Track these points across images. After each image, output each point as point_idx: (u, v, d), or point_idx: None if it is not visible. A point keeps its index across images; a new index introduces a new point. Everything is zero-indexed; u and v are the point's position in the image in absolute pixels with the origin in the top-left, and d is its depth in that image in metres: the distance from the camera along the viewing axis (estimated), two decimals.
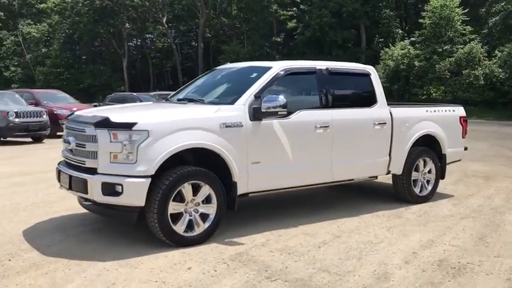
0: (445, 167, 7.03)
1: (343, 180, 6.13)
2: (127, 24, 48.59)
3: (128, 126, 4.46)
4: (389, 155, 6.31)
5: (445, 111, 7.07)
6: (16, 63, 48.73)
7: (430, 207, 6.51)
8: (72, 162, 4.89)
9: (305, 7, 38.17)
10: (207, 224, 4.84)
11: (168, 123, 4.63)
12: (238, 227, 5.38)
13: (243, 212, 6.02)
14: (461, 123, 7.17)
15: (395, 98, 30.13)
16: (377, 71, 6.71)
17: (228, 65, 6.70)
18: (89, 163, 4.62)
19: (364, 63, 7.14)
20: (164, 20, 49.36)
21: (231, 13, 48.65)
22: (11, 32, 49.32)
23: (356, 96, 6.26)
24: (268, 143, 5.19)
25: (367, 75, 6.25)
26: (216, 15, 50.85)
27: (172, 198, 4.58)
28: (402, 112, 6.51)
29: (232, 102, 5.11)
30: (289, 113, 5.35)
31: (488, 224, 5.70)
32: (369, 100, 6.18)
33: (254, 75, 5.48)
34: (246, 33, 44.96)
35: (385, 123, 6.15)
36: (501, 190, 7.59)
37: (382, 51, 31.98)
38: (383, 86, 6.52)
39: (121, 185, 4.41)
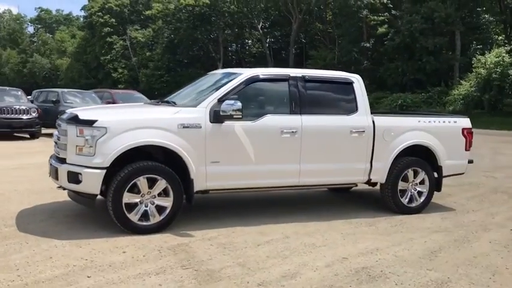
0: (442, 180, 6.84)
1: (315, 185, 6.28)
2: (225, 30, 50.54)
3: (90, 123, 5.07)
4: (371, 162, 6.31)
5: (444, 122, 6.88)
6: (123, 66, 52.80)
7: (415, 218, 6.41)
8: (55, 154, 5.61)
9: (397, 12, 37.17)
10: (162, 216, 5.29)
11: (126, 122, 5.18)
12: (202, 221, 5.79)
13: (216, 208, 6.43)
14: (464, 135, 6.93)
15: (485, 108, 28.44)
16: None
17: (217, 71, 7.11)
18: (62, 154, 5.31)
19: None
20: (259, 26, 50.63)
21: (326, 18, 48.67)
22: (121, 37, 53.48)
23: (333, 103, 6.35)
24: (228, 144, 5.52)
25: (349, 84, 6.32)
26: (311, 20, 51.12)
27: (127, 189, 5.10)
28: (386, 121, 6.48)
29: (195, 105, 5.53)
30: (256, 117, 5.65)
31: (458, 239, 5.55)
32: (348, 108, 6.26)
33: (225, 80, 5.86)
34: (338, 39, 44.75)
35: (364, 131, 6.19)
36: None
37: (475, 58, 30.27)
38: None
39: (80, 174, 5.02)
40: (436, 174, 6.81)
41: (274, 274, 4.25)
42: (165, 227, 5.32)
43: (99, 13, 53.54)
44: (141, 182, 5.17)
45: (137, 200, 5.20)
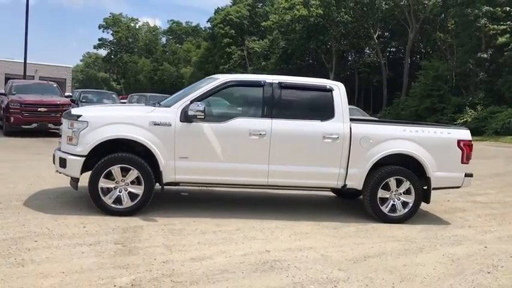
0: (430, 191, 6.73)
1: (285, 186, 6.60)
2: (341, 40, 50.63)
3: (77, 117, 6.02)
4: (346, 168, 6.46)
5: (435, 132, 6.75)
6: None
7: (390, 227, 6.43)
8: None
9: None
10: (134, 202, 6.05)
11: (104, 117, 6.06)
12: (183, 211, 6.44)
13: (210, 201, 7.05)
14: (461, 148, 6.72)
15: None
16: None
17: (211, 76, 7.69)
18: (59, 143, 6.34)
19: None
20: (376, 36, 49.87)
21: (448, 27, 46.43)
22: (239, 47, 56.22)
23: (308, 109, 6.59)
24: (197, 142, 6.13)
25: (328, 91, 6.54)
26: (430, 29, 49.11)
27: (102, 175, 5.94)
28: (365, 129, 6.57)
29: (169, 106, 6.24)
30: (226, 119, 6.21)
31: (409, 250, 5.53)
32: (324, 114, 6.48)
33: (203, 84, 6.48)
34: (455, 49, 42.47)
35: (338, 137, 6.37)
36: None
37: None
38: None
39: (66, 160, 5.99)
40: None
41: (186, 256, 4.75)
42: (136, 212, 6.06)
43: (221, 25, 56.81)
44: (115, 170, 5.97)
45: (112, 186, 6.01)
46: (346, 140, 6.41)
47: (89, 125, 5.95)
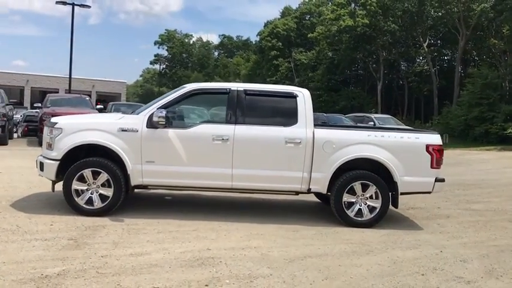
0: (398, 196, 6.73)
1: (249, 190, 6.80)
2: (391, 49, 49.92)
3: (53, 125, 6.55)
4: (310, 172, 6.60)
5: (401, 137, 6.75)
6: None
7: (351, 231, 6.47)
8: None
9: None
10: (104, 203, 6.48)
11: (76, 124, 6.56)
12: (150, 212, 6.82)
13: (181, 204, 7.38)
14: (429, 152, 6.69)
15: None
16: None
17: (183, 85, 7.96)
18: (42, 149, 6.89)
19: None
20: (425, 44, 48.77)
21: (503, 33, 44.68)
22: (286, 60, 56.63)
23: (272, 115, 6.79)
24: (162, 147, 6.49)
25: (293, 98, 6.73)
26: (484, 36, 47.43)
27: (75, 178, 6.41)
28: (328, 134, 6.68)
29: (138, 113, 6.65)
30: (191, 125, 6.55)
31: (356, 251, 5.61)
32: (287, 120, 6.66)
33: (172, 92, 6.85)
34: (509, 55, 40.80)
35: (300, 142, 6.53)
36: (493, 236, 6.69)
37: None
38: None
39: (43, 163, 6.52)
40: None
41: (127, 252, 5.08)
42: (106, 212, 6.47)
43: (268, 38, 57.49)
44: (87, 173, 6.43)
45: (84, 188, 6.46)
46: (309, 144, 6.55)
47: (63, 131, 6.45)
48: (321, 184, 6.63)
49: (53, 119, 6.83)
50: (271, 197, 8.04)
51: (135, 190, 7.54)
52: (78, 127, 6.52)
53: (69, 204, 6.47)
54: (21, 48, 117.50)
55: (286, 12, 62.17)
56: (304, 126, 6.61)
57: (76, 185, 6.43)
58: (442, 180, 6.88)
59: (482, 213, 8.24)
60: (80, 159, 6.48)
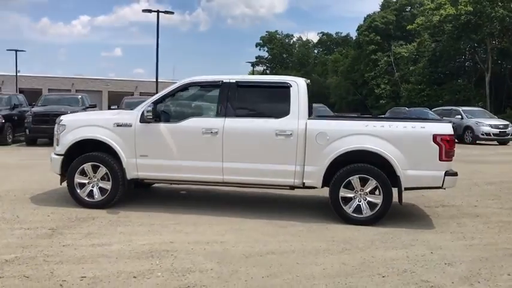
0: (401, 191, 6.18)
1: (241, 184, 6.61)
2: (496, 37, 46.05)
3: (59, 122, 6.95)
4: (303, 166, 6.29)
5: (404, 127, 6.16)
6: (386, 81, 53.59)
7: (344, 228, 6.04)
8: None
9: None
10: (103, 196, 6.73)
11: (78, 121, 6.88)
12: (151, 206, 6.95)
13: (191, 199, 7.46)
14: (437, 143, 6.04)
15: None
16: None
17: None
18: None
19: None
20: None
21: None
22: (385, 54, 54.52)
23: (263, 107, 6.53)
24: (155, 141, 6.57)
25: (286, 88, 6.44)
26: None
27: (78, 172, 6.74)
28: (321, 125, 6.30)
29: (133, 108, 6.80)
30: (182, 119, 6.57)
31: (329, 250, 5.24)
32: (279, 111, 6.39)
33: (169, 86, 6.91)
34: None
35: (291, 134, 6.24)
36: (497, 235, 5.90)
37: None
38: None
39: (51, 158, 6.94)
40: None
41: (91, 242, 5.21)
42: (106, 205, 6.70)
43: (365, 32, 55.76)
44: (87, 167, 6.71)
45: (86, 181, 6.76)
46: (300, 136, 6.24)
47: (66, 128, 6.80)
48: (315, 178, 6.27)
49: (62, 116, 7.22)
50: (279, 192, 7.74)
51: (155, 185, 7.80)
52: (80, 123, 6.83)
53: (72, 196, 6.79)
54: (140, 57, 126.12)
55: (386, 4, 59.78)
56: (296, 118, 6.29)
57: (78, 179, 6.73)
58: (455, 174, 6.17)
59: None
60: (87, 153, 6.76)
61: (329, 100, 63.67)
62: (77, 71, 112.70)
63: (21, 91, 43.19)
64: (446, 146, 6.02)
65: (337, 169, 6.27)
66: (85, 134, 6.72)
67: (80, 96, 18.68)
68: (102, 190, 6.72)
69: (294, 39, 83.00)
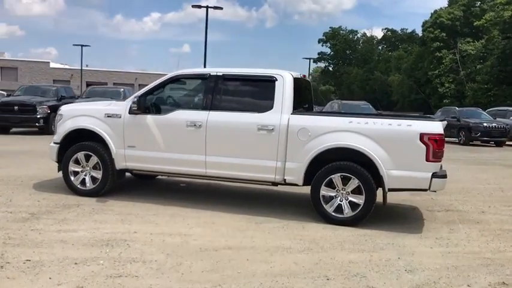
0: (385, 192, 5.89)
1: (224, 178, 6.54)
2: None
3: (58, 112, 7.21)
4: (284, 162, 6.15)
5: (390, 124, 5.84)
6: (450, 80, 51.31)
7: (320, 227, 5.85)
8: None
9: None
10: (94, 185, 6.91)
11: (73, 111, 7.08)
12: (142, 196, 7.07)
13: (187, 191, 7.53)
14: (425, 142, 5.70)
15: None
16: None
17: None
18: None
19: None
20: None
21: None
22: (450, 51, 52.17)
23: (247, 101, 6.42)
24: (142, 132, 6.64)
25: (271, 82, 6.30)
26: None
27: (72, 161, 6.95)
28: (303, 120, 6.10)
29: (124, 100, 6.92)
30: (168, 111, 6.62)
31: (291, 248, 5.08)
32: (263, 105, 6.26)
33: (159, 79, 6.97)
34: None
35: (273, 129, 6.11)
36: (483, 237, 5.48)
37: None
38: None
39: (50, 147, 7.21)
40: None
41: (59, 228, 5.35)
42: (97, 193, 6.87)
43: (430, 28, 53.61)
44: (80, 156, 6.91)
45: (79, 170, 6.97)
46: (282, 132, 6.08)
47: (63, 117, 7.04)
48: (295, 175, 6.10)
49: (61, 106, 7.47)
50: (270, 188, 7.57)
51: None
52: (75, 113, 7.04)
53: (66, 184, 7.02)
54: (211, 53, 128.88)
55: (453, 0, 57.15)
56: (279, 112, 6.14)
57: (72, 167, 6.95)
58: (443, 176, 5.78)
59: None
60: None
61: (391, 98, 62.03)
62: (144, 67, 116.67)
63: (88, 84, 45.54)
64: (434, 146, 5.65)
65: (321, 166, 6.06)
66: (78, 124, 6.92)
67: (122, 90, 19.32)
68: (94, 179, 6.89)
69: (358, 35, 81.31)
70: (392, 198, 7.46)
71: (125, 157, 6.71)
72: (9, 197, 6.70)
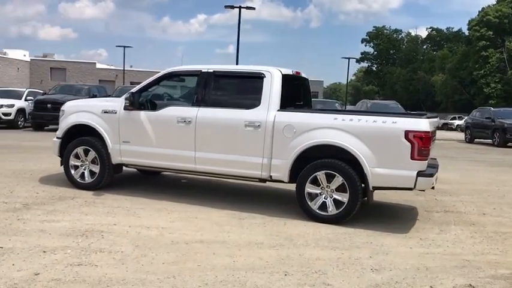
0: (370, 190, 5.79)
1: (213, 174, 6.59)
2: None
3: (62, 108, 7.48)
4: (270, 159, 6.15)
5: (374, 121, 5.73)
6: (497, 80, 49.44)
7: (302, 225, 5.81)
8: None
9: None
10: (93, 178, 7.13)
11: (73, 107, 7.32)
12: (138, 190, 7.23)
13: (185, 187, 7.65)
14: (409, 140, 5.56)
15: None
16: None
17: None
18: None
19: None
20: None
21: None
22: (497, 50, 50.26)
23: (236, 97, 6.42)
24: (136, 128, 6.79)
25: (260, 78, 6.30)
26: None
27: (72, 156, 7.19)
28: (289, 117, 6.07)
29: (120, 96, 7.10)
30: (161, 108, 6.75)
31: (261, 244, 5.08)
32: (251, 102, 6.27)
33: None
34: None
35: (259, 125, 6.12)
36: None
37: None
38: None
39: (53, 141, 7.49)
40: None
41: (45, 218, 5.55)
42: (95, 187, 7.08)
43: (476, 27, 51.84)
44: (79, 151, 7.14)
45: (79, 164, 7.20)
46: (268, 128, 6.08)
47: (65, 113, 7.30)
48: (281, 171, 6.08)
49: (65, 103, 7.75)
50: (263, 184, 7.52)
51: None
52: (75, 109, 7.28)
53: (67, 177, 7.27)
54: (252, 53, 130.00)
55: None
56: (266, 109, 6.14)
57: (73, 161, 7.19)
58: (429, 175, 5.62)
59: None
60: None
61: (434, 98, 60.41)
62: None
63: (131, 84, 46.83)
64: (419, 144, 5.50)
65: (308, 164, 6.02)
66: (78, 119, 7.15)
67: (86, 87, 21.16)
68: (92, 173, 7.10)
69: (403, 34, 79.63)
70: (393, 198, 7.36)
71: (120, 152, 6.88)
72: (12, 189, 7.00)
